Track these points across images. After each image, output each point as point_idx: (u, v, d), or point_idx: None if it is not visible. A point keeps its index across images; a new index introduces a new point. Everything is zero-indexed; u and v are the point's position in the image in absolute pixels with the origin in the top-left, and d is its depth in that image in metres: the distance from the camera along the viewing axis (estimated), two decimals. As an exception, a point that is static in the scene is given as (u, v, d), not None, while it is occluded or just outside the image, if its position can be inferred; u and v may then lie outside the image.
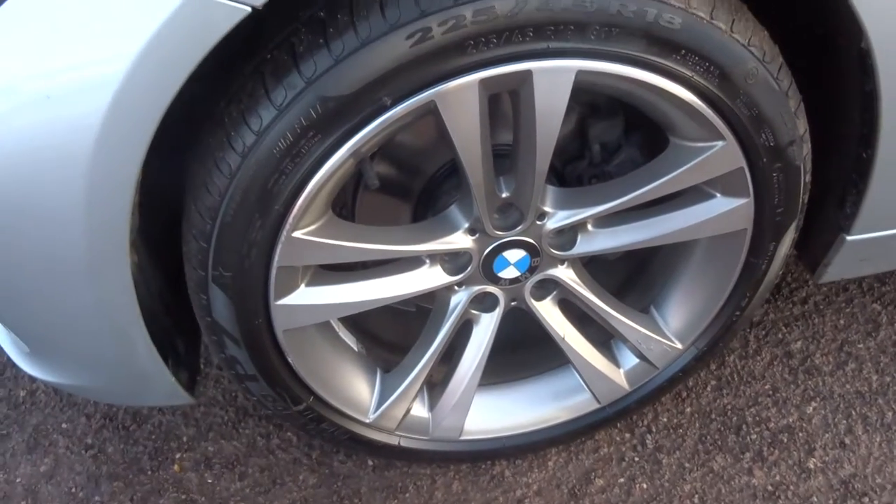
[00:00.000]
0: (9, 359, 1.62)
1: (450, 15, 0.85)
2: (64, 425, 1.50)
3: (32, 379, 1.58)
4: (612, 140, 1.17)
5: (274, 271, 0.99)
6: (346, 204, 1.17)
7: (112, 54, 0.80)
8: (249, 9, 0.79)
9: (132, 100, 0.82)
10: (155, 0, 0.78)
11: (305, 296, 1.05)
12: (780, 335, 1.59)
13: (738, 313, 1.25)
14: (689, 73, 0.95)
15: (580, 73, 0.92)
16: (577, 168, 1.19)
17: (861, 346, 1.56)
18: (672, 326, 1.28)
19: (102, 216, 0.89)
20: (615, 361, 1.31)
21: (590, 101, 1.14)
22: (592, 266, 1.28)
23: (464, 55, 0.87)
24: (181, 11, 0.77)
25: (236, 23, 0.79)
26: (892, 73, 1.01)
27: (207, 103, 0.94)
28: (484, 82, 0.90)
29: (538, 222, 1.10)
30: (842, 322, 1.61)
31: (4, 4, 0.80)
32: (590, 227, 1.14)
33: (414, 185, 1.19)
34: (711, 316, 1.25)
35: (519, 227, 1.09)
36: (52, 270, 0.94)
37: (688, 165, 1.05)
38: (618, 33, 0.90)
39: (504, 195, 1.06)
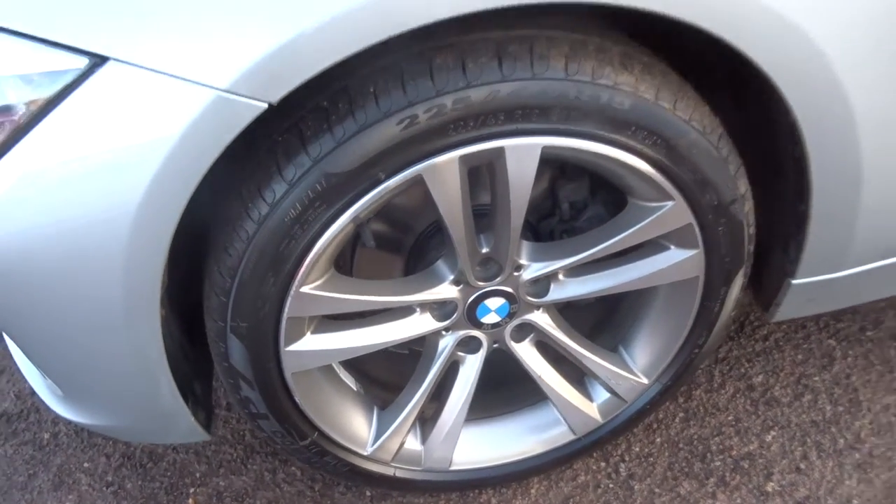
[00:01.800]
0: (33, 404, 1.76)
1: (433, 104, 1.01)
2: (86, 464, 1.62)
3: (56, 422, 1.71)
4: (580, 199, 1.33)
5: (284, 322, 1.14)
6: (345, 259, 1.32)
7: (153, 142, 0.95)
8: (266, 105, 0.94)
9: (168, 180, 0.97)
10: (187, 99, 0.93)
11: (311, 342, 1.20)
12: (742, 370, 1.73)
13: (696, 350, 1.40)
14: (639, 145, 1.11)
15: (545, 148, 1.08)
16: (549, 224, 1.35)
17: (817, 378, 1.70)
18: (639, 364, 1.42)
19: (139, 277, 1.04)
20: (588, 396, 1.45)
21: (559, 165, 1.30)
22: (567, 310, 1.43)
23: (446, 136, 1.03)
24: (210, 109, 0.93)
25: (255, 116, 0.94)
26: (817, 141, 1.17)
27: (227, 180, 1.09)
28: (463, 158, 1.05)
29: (515, 273, 1.25)
30: (800, 357, 1.75)
31: (60, 107, 0.96)
32: (561, 276, 1.29)
33: (405, 241, 1.34)
34: (673, 353, 1.39)
35: (498, 278, 1.24)
36: (92, 324, 1.09)
37: (644, 223, 1.20)
38: (576, 115, 1.06)
39: (484, 251, 1.21)
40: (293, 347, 1.18)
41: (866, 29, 1.08)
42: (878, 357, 1.73)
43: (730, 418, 1.64)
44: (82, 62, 0.94)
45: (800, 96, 1.11)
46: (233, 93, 0.93)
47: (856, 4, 1.06)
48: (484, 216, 1.21)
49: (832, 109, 1.12)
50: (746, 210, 1.24)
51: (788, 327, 1.81)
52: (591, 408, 1.45)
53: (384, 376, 1.48)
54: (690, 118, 1.12)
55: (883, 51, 1.10)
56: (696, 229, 1.22)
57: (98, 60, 0.94)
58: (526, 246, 1.25)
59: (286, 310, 1.12)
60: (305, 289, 1.11)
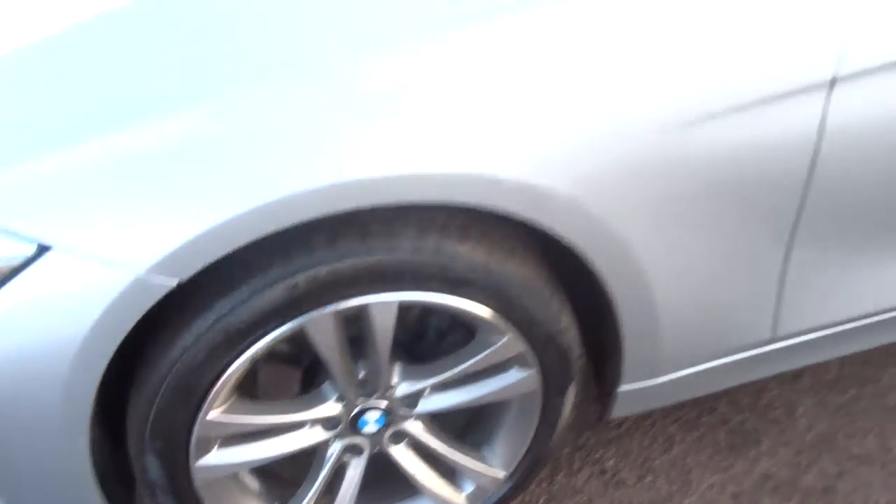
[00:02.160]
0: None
1: (310, 273, 1.30)
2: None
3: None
4: (443, 327, 1.64)
5: (193, 441, 1.40)
6: (250, 380, 1.58)
7: (88, 307, 1.22)
8: (177, 281, 1.23)
9: (98, 335, 1.23)
10: (114, 278, 1.21)
11: (218, 457, 1.46)
12: (597, 455, 2.04)
13: (543, 448, 1.70)
14: (476, 296, 1.41)
15: (402, 302, 1.38)
16: (420, 346, 1.65)
17: (658, 461, 2.02)
18: (498, 459, 1.71)
19: (75, 401, 1.29)
20: (458, 487, 1.73)
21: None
22: (441, 414, 1.71)
23: (321, 297, 1.32)
24: (132, 285, 1.21)
25: (167, 291, 1.22)
26: (615, 284, 1.49)
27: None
28: (336, 312, 1.35)
29: (388, 392, 1.54)
30: (646, 442, 2.07)
31: (16, 278, 1.22)
32: (427, 392, 1.58)
33: (303, 358, 1.62)
34: (523, 451, 1.69)
35: (374, 396, 1.53)
36: (33, 444, 1.33)
37: (487, 351, 1.50)
38: (423, 277, 1.36)
39: (361, 375, 1.50)
40: (202, 462, 1.43)
41: (639, 197, 1.41)
42: (709, 440, 2.06)
43: (584, 499, 1.94)
44: (31, 248, 1.22)
45: (596, 254, 1.45)
46: (151, 272, 1.21)
47: (628, 178, 1.39)
48: (361, 343, 1.50)
49: (623, 260, 1.46)
50: (570, 338, 1.56)
51: (639, 416, 2.14)
52: (461, 497, 1.72)
53: (284, 472, 1.73)
54: (517, 272, 1.44)
55: (655, 203, 1.42)
56: (530, 355, 1.53)
57: (43, 248, 1.21)
58: (397, 368, 1.54)
59: (195, 432, 1.38)
60: (211, 415, 1.38)
